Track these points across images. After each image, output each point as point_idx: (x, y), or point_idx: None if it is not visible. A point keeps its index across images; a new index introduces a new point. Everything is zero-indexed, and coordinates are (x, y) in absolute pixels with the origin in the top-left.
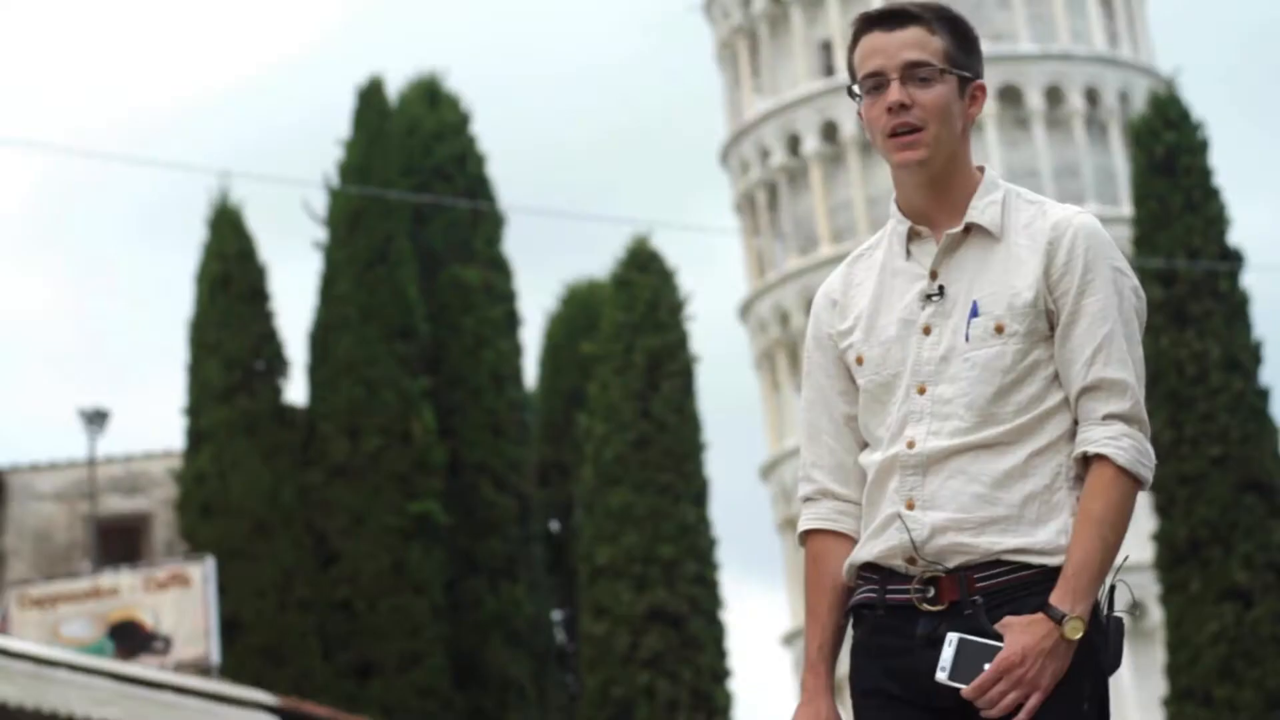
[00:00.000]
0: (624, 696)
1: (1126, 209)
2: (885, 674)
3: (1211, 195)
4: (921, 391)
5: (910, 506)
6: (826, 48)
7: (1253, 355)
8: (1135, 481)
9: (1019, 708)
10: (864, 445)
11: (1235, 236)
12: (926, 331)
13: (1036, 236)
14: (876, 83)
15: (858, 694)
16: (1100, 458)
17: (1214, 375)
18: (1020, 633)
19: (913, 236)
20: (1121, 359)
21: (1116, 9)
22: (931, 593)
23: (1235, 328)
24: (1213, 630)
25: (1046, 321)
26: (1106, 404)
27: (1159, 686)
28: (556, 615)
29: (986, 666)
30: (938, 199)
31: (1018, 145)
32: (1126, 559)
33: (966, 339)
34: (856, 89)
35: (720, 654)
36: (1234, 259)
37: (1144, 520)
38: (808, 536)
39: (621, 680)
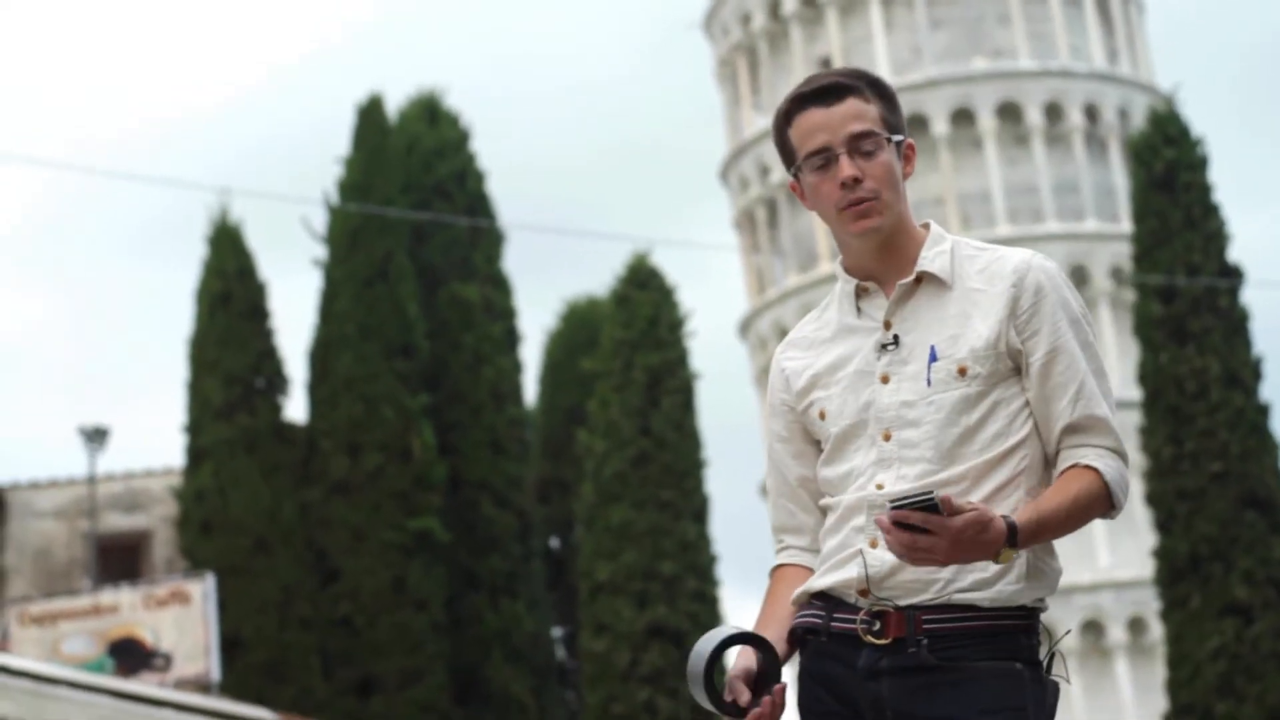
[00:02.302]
0: (625, 713)
1: (1126, 225)
2: (832, 698)
3: (1211, 211)
4: (887, 438)
5: (874, 545)
6: (826, 64)
7: (1253, 371)
8: (1110, 503)
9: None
10: (819, 499)
11: (1235, 252)
12: (885, 380)
13: (996, 280)
14: (825, 159)
15: (809, 716)
16: (1091, 469)
17: (1214, 391)
18: (967, 510)
19: (860, 294)
20: (1103, 396)
21: (1116, 26)
22: (878, 626)
23: (1235, 344)
24: (1213, 646)
25: (1009, 362)
26: (1094, 437)
27: (1160, 702)
28: (557, 632)
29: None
30: (887, 258)
31: (1017, 162)
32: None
33: (929, 383)
34: (799, 166)
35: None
36: (1234, 275)
37: (1144, 536)
38: (772, 571)
39: (622, 697)
